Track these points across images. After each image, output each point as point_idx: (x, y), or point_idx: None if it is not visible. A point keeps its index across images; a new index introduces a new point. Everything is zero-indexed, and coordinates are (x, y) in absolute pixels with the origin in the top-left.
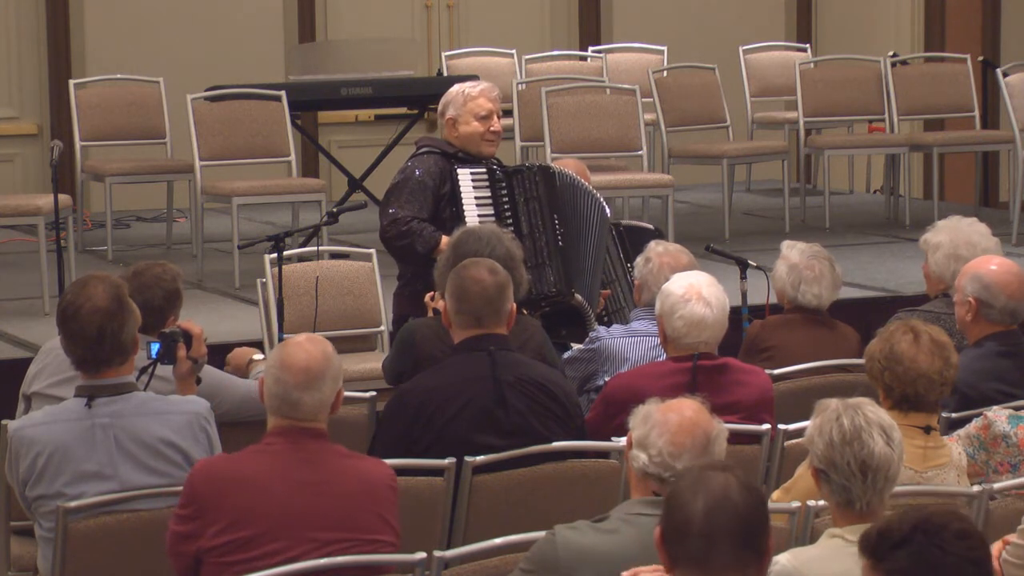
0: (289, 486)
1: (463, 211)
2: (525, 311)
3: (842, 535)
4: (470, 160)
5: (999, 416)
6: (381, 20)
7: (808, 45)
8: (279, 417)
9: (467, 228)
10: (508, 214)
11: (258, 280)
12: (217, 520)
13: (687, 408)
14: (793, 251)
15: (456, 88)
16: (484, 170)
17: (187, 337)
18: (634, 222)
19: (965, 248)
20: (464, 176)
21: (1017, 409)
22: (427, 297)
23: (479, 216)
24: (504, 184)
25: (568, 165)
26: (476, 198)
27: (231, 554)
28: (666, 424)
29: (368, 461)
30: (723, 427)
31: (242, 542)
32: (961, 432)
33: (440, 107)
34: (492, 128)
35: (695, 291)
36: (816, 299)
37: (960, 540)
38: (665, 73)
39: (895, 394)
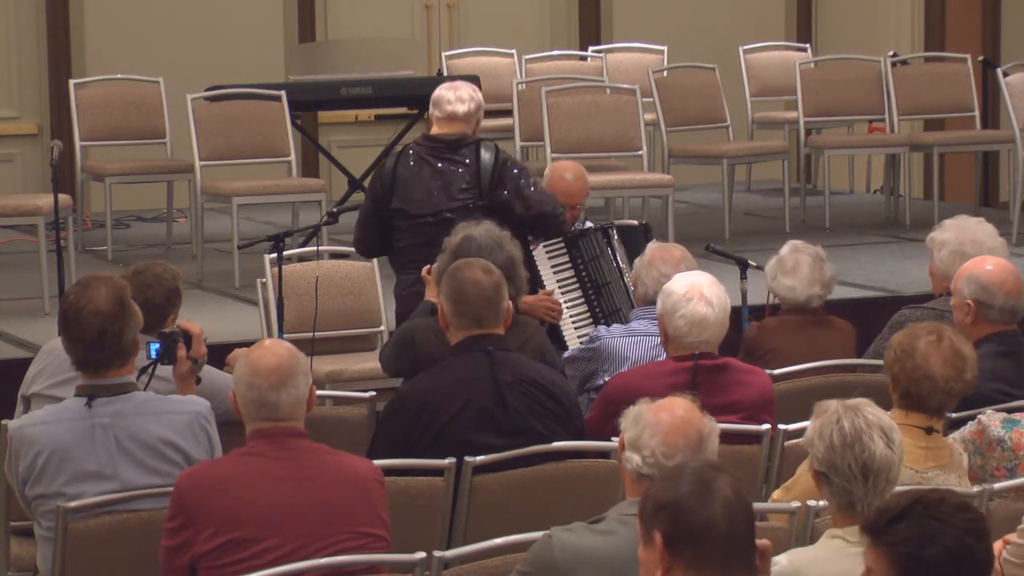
0: (278, 484)
1: (540, 279)
2: None
3: (843, 536)
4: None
5: (993, 421)
6: (381, 20)
7: (808, 45)
8: (258, 421)
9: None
10: (584, 274)
11: (258, 280)
12: (208, 524)
13: (678, 407)
14: (786, 247)
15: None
16: (561, 242)
17: (187, 337)
18: (623, 221)
19: (970, 246)
20: (539, 252)
21: (1010, 412)
22: (424, 271)
23: (558, 282)
24: (575, 246)
25: (567, 168)
26: (552, 267)
27: (227, 555)
28: (658, 424)
29: (353, 458)
30: (715, 425)
31: (236, 542)
32: (956, 435)
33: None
34: None
35: (697, 290)
36: (790, 291)
37: (960, 512)
38: (665, 73)
39: (900, 387)
